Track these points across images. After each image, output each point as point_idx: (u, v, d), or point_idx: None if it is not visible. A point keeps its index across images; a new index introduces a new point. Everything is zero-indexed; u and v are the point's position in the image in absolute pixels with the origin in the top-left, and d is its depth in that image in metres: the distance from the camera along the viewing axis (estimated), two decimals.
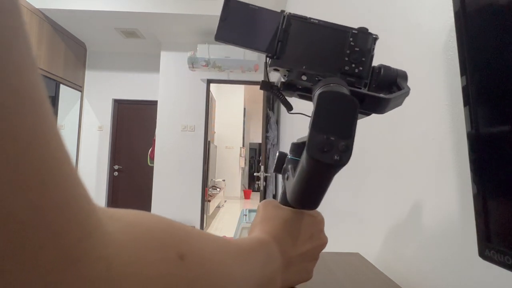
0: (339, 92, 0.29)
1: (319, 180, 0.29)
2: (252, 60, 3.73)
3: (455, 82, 0.45)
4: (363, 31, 0.34)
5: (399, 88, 0.35)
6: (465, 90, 0.31)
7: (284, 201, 0.38)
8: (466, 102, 0.31)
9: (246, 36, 0.35)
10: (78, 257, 0.13)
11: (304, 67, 0.34)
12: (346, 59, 0.34)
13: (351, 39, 0.34)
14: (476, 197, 0.30)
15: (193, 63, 3.76)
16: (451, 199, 0.45)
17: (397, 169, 0.63)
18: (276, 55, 0.35)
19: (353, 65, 0.34)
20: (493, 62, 0.29)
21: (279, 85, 0.38)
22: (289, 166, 0.36)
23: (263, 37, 0.35)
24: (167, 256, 0.18)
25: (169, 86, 4.07)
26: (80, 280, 0.13)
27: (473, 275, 0.40)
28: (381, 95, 0.33)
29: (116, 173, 4.46)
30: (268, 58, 0.36)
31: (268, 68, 0.37)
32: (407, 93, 0.35)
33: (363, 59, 0.34)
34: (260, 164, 3.19)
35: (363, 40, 0.34)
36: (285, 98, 0.39)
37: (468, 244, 0.41)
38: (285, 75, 0.36)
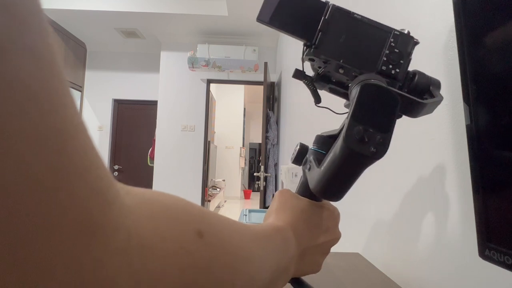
0: (383, 86, 0.29)
1: (350, 170, 0.29)
2: (252, 60, 3.73)
3: (455, 82, 0.45)
4: (405, 34, 0.34)
5: (432, 96, 0.34)
6: (464, 86, 0.31)
7: (303, 192, 0.38)
8: (466, 98, 0.31)
9: (287, 20, 0.35)
10: (99, 225, 0.12)
11: (341, 60, 0.34)
12: (385, 59, 0.33)
13: (392, 39, 0.34)
14: (476, 197, 0.30)
15: (193, 63, 3.76)
16: (451, 199, 0.45)
17: (397, 169, 0.63)
18: (315, 44, 0.34)
19: (390, 66, 0.33)
20: (493, 61, 0.29)
21: (313, 76, 0.37)
22: (311, 157, 0.36)
23: (304, 24, 0.35)
24: (185, 233, 0.18)
25: (169, 86, 4.06)
26: (100, 249, 0.12)
27: (473, 275, 0.40)
28: (418, 99, 0.33)
29: (116, 173, 4.46)
30: (305, 47, 0.35)
31: (303, 57, 0.36)
32: (439, 102, 0.34)
33: (401, 61, 0.33)
34: (260, 164, 3.19)
35: (404, 42, 0.34)
36: (316, 90, 0.38)
37: (468, 244, 0.41)
38: (319, 67, 0.36)
